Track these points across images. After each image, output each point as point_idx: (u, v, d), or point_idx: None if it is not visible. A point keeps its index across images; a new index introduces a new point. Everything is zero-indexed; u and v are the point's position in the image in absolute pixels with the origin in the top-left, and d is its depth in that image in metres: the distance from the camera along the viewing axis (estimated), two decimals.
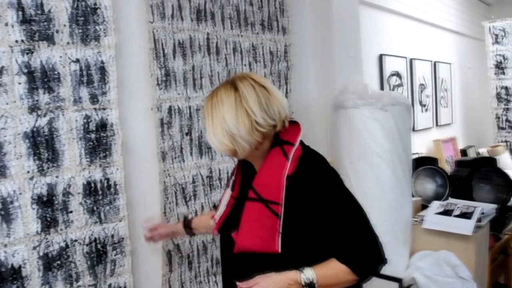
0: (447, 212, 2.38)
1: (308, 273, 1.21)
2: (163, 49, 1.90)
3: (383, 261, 1.26)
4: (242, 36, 2.23)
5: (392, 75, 3.75)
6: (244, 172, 1.41)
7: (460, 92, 5.18)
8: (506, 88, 4.55)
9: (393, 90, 3.71)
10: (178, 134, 1.95)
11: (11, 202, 1.48)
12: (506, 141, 4.59)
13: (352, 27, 2.86)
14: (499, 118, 4.62)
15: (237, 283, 1.27)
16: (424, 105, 4.29)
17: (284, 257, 1.24)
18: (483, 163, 3.39)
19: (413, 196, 2.54)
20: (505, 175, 3.04)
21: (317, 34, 2.72)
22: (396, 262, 2.20)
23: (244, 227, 1.28)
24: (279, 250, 1.22)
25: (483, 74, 4.90)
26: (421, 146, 4.12)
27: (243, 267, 1.30)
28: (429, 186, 2.92)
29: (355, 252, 1.22)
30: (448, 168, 3.97)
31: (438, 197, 2.83)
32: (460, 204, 2.42)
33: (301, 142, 1.33)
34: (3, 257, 1.46)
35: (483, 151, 4.53)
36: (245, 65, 2.24)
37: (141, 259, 1.85)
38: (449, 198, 2.77)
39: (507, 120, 4.59)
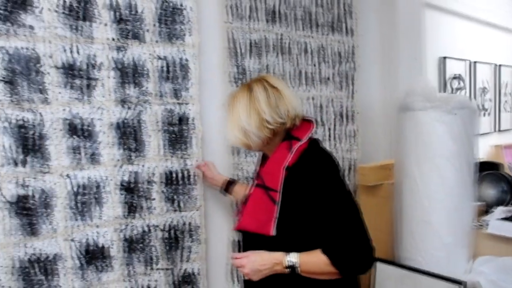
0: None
1: (293, 257, 1.31)
2: (239, 49, 1.99)
3: (369, 260, 1.30)
4: (312, 37, 2.29)
5: (454, 78, 3.69)
6: (263, 164, 1.52)
7: None
8: None
9: (454, 93, 3.65)
10: None
11: (103, 187, 1.62)
12: None
13: (417, 30, 2.85)
14: None
15: (232, 254, 1.43)
16: (486, 109, 4.18)
17: (277, 240, 1.34)
18: None
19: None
20: None
21: (383, 36, 2.73)
22: (456, 265, 2.19)
23: (247, 209, 1.43)
24: (273, 234, 1.33)
25: None
26: (479, 151, 4.01)
27: (243, 244, 1.48)
28: (491, 191, 2.87)
29: (338, 245, 1.28)
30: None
31: (500, 203, 2.77)
32: None
33: (312, 139, 1.42)
34: (95, 236, 1.60)
35: None
36: (314, 65, 2.29)
37: (212, 247, 1.94)
38: None
39: None
